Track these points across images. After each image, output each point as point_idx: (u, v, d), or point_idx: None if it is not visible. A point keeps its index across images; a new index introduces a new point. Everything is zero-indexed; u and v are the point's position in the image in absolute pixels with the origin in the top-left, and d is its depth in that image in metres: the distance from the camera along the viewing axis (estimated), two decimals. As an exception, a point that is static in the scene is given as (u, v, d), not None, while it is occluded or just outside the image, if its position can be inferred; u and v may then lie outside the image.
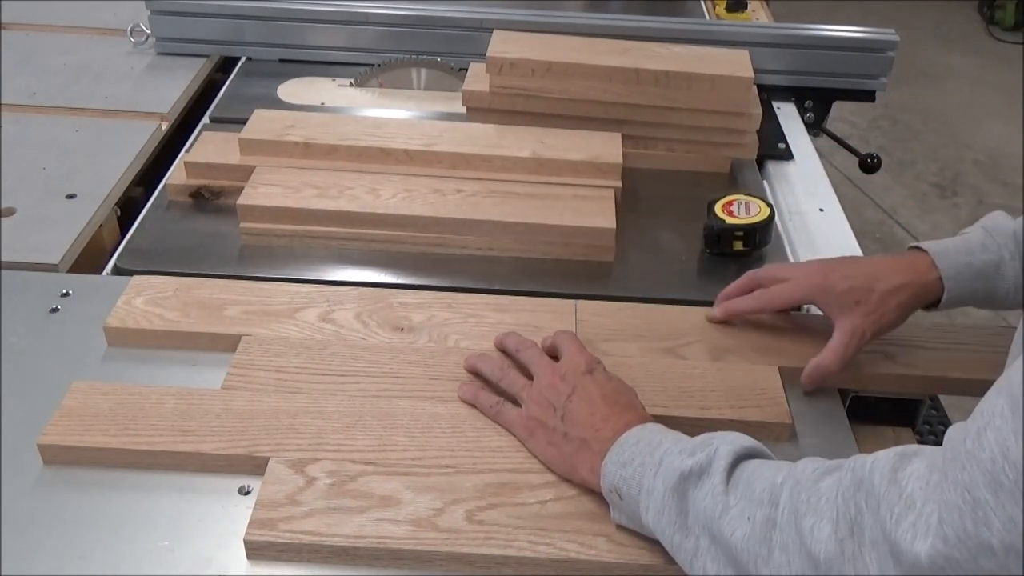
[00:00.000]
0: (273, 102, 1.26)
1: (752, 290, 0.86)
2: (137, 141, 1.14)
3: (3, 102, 1.21)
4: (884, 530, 0.49)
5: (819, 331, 0.86)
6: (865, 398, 0.84)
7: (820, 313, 0.92)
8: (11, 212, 1.00)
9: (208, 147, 1.06)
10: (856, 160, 1.40)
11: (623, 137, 1.09)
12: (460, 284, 0.93)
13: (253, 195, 0.98)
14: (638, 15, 1.34)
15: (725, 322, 0.86)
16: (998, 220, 0.80)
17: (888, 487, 0.50)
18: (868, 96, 1.37)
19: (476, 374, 0.79)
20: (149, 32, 1.36)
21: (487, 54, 1.10)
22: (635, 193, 1.09)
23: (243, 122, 1.07)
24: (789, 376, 0.81)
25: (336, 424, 0.73)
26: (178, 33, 1.35)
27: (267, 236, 0.97)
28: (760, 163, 1.20)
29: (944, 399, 0.95)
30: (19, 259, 0.93)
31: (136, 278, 0.88)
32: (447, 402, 0.76)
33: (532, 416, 0.72)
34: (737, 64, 1.12)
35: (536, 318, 0.86)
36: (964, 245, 0.79)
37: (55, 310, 0.86)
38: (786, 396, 0.79)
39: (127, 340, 0.83)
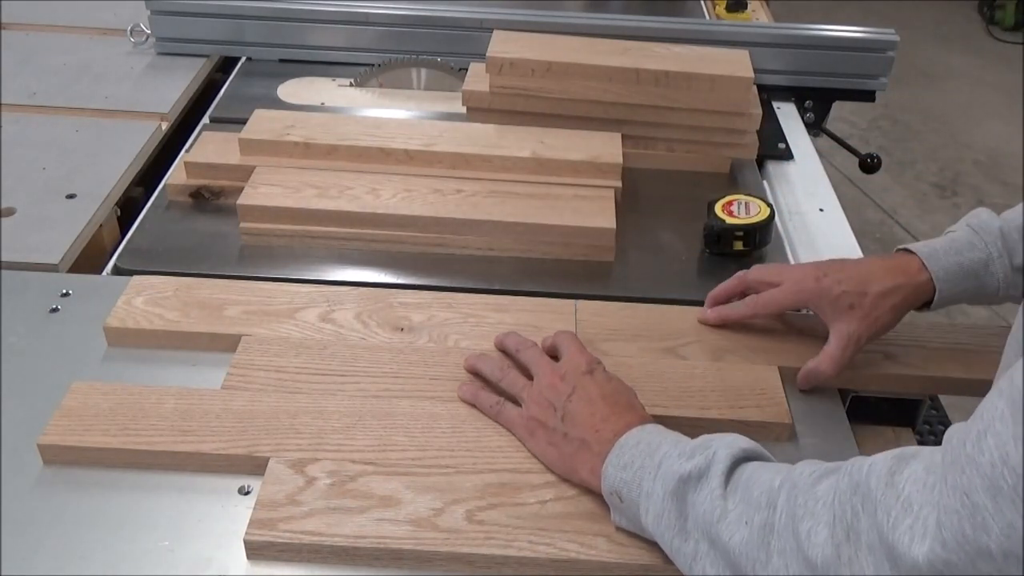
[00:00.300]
0: (273, 102, 1.26)
1: (743, 293, 0.86)
2: (137, 141, 1.14)
3: (3, 102, 1.21)
4: (881, 533, 0.49)
5: (819, 331, 0.86)
6: (865, 398, 0.84)
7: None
8: (11, 212, 1.00)
9: (208, 147, 1.06)
10: (856, 160, 1.40)
11: (623, 137, 1.09)
12: (460, 284, 0.93)
13: (253, 195, 0.98)
14: (638, 15, 1.34)
15: (718, 325, 0.86)
16: (983, 218, 0.80)
17: (885, 490, 0.50)
18: (868, 96, 1.37)
19: (476, 374, 0.79)
20: (149, 32, 1.36)
21: (487, 54, 1.11)
22: (635, 193, 1.09)
23: (243, 122, 1.07)
24: (789, 376, 0.81)
25: (336, 424, 0.73)
26: (178, 33, 1.35)
27: (267, 236, 0.97)
28: (760, 163, 1.20)
29: (944, 399, 0.95)
30: (19, 259, 0.93)
31: (136, 278, 0.88)
32: (447, 402, 0.76)
33: (532, 416, 0.72)
34: (737, 64, 1.12)
35: (536, 318, 0.86)
36: (952, 245, 0.79)
37: (55, 310, 0.86)
38: (786, 396, 0.79)
39: (127, 340, 0.83)
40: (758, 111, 1.14)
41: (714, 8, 1.59)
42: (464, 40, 1.32)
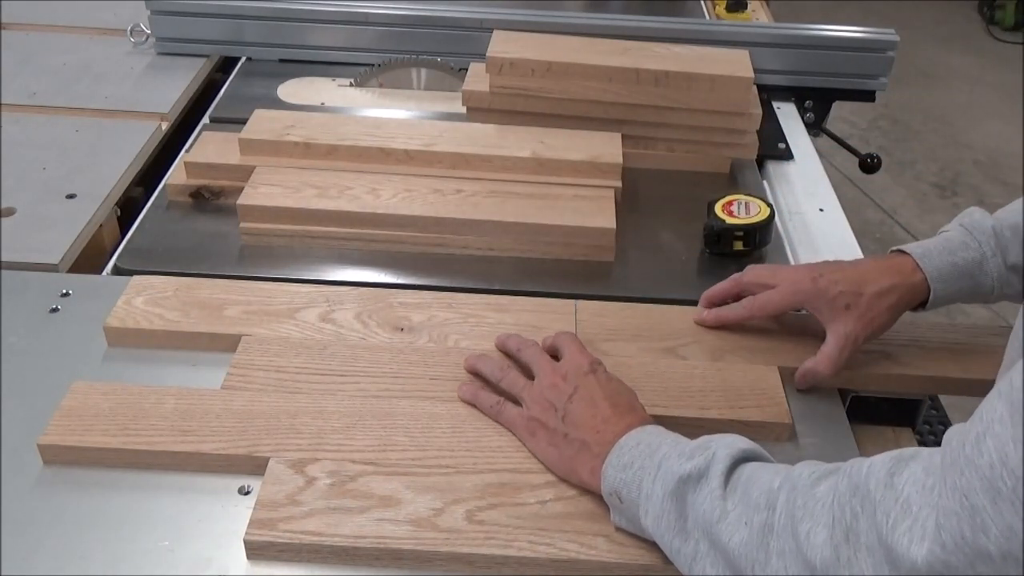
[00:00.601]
0: (273, 102, 1.26)
1: (738, 295, 0.86)
2: (137, 141, 1.14)
3: (3, 102, 1.21)
4: (880, 535, 0.49)
5: (819, 331, 0.86)
6: (865, 398, 0.84)
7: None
8: (11, 212, 1.00)
9: (208, 147, 1.06)
10: (856, 160, 1.40)
11: (623, 137, 1.09)
12: (460, 284, 0.93)
13: (253, 195, 0.98)
14: (638, 15, 1.34)
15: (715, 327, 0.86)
16: (976, 217, 0.81)
17: (884, 491, 0.50)
18: (868, 96, 1.37)
19: (476, 374, 0.79)
20: (149, 32, 1.36)
21: (487, 54, 1.11)
22: (635, 193, 1.09)
23: (243, 122, 1.07)
24: (789, 376, 0.81)
25: (336, 424, 0.73)
26: (178, 33, 1.35)
27: (267, 236, 0.97)
28: (760, 163, 1.20)
29: (944, 399, 0.95)
30: (19, 259, 0.93)
31: (136, 278, 0.88)
32: (447, 402, 0.76)
33: (533, 416, 0.72)
34: (737, 64, 1.12)
35: (536, 318, 0.86)
36: (946, 245, 0.80)
37: (55, 310, 0.86)
38: (786, 396, 0.79)
39: (127, 340, 0.82)
40: (758, 111, 1.14)
41: (714, 8, 1.59)
42: (464, 40, 1.32)
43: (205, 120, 1.23)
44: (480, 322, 0.85)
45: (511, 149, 1.05)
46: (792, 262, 1.01)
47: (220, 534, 0.66)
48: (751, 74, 1.10)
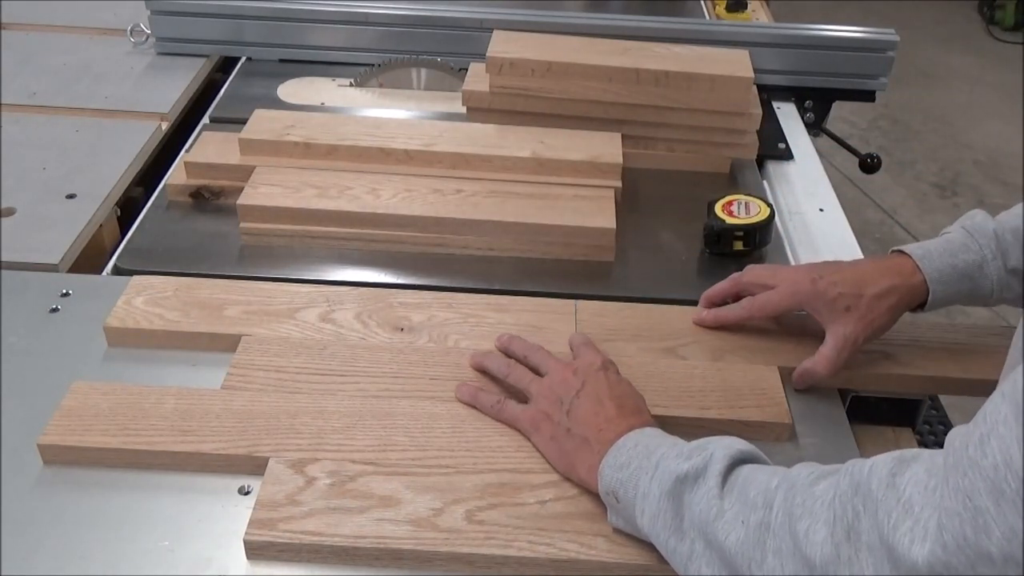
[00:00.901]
0: (273, 102, 1.26)
1: (737, 295, 0.86)
2: (137, 141, 1.14)
3: (3, 102, 1.21)
4: (881, 534, 0.49)
5: (819, 331, 0.86)
6: (865, 398, 0.84)
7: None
8: (11, 212, 1.00)
9: (208, 147, 1.06)
10: (856, 160, 1.40)
11: (623, 137, 1.09)
12: (460, 284, 0.93)
13: (253, 195, 0.98)
14: (638, 15, 1.34)
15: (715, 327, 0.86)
16: (977, 220, 0.81)
17: (886, 491, 0.50)
18: (868, 96, 1.37)
19: (482, 371, 0.79)
20: (149, 32, 1.36)
21: (487, 54, 1.11)
22: (635, 193, 1.09)
23: (243, 122, 1.07)
24: (789, 376, 0.81)
25: (336, 424, 0.73)
26: (178, 33, 1.35)
27: (267, 236, 0.97)
28: (760, 163, 1.20)
29: (944, 399, 0.95)
30: (19, 259, 0.93)
31: (136, 278, 0.88)
32: (447, 402, 0.76)
33: (540, 409, 0.72)
34: (737, 64, 1.12)
35: (536, 318, 0.86)
36: (947, 247, 0.79)
37: (55, 310, 0.86)
38: (786, 396, 0.79)
39: (127, 340, 0.82)
40: (758, 111, 1.14)
41: (714, 8, 1.59)
42: (464, 40, 1.32)
43: (205, 120, 1.23)
44: (480, 322, 0.85)
45: (511, 149, 1.05)
46: (792, 262, 1.01)
47: (220, 534, 0.66)
48: (751, 74, 1.10)
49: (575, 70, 1.10)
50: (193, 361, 0.81)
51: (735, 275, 0.86)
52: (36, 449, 0.71)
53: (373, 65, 1.30)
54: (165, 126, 1.20)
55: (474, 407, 0.76)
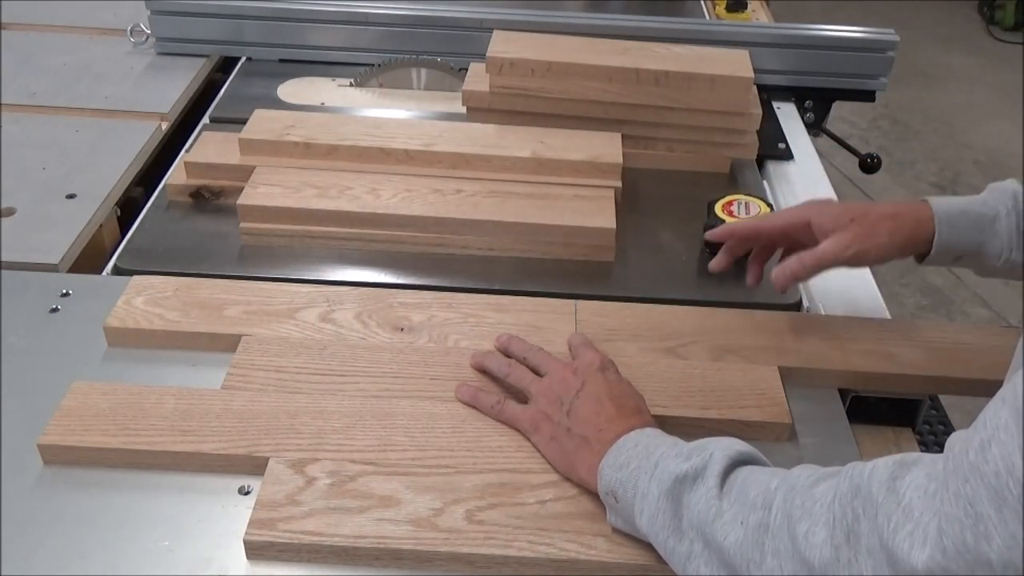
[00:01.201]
0: (273, 102, 1.26)
1: (747, 245, 0.88)
2: (137, 141, 1.14)
3: (3, 102, 1.21)
4: (881, 538, 0.49)
5: (819, 332, 0.86)
6: (865, 398, 0.84)
7: (822, 313, 0.92)
8: (11, 212, 1.00)
9: (208, 147, 1.06)
10: (856, 160, 1.40)
11: (623, 137, 1.09)
12: (460, 284, 0.93)
13: (253, 195, 0.98)
14: (638, 15, 1.34)
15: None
16: (1004, 183, 0.81)
17: (886, 495, 0.50)
18: (868, 96, 1.37)
19: (482, 371, 0.79)
20: (149, 32, 1.36)
21: (487, 54, 1.11)
22: (635, 193, 1.09)
23: (243, 122, 1.07)
24: (789, 376, 0.81)
25: (336, 424, 0.73)
26: (178, 33, 1.35)
27: (267, 236, 0.97)
28: (760, 163, 1.20)
29: (944, 399, 0.95)
30: (19, 259, 0.93)
31: (136, 278, 0.88)
32: (447, 402, 0.76)
33: (540, 409, 0.72)
34: (737, 64, 1.12)
35: (536, 318, 0.86)
36: (964, 199, 0.81)
37: (55, 310, 0.86)
38: (786, 396, 0.79)
39: (127, 340, 0.83)
40: (758, 111, 1.13)
41: (714, 8, 1.59)
42: (464, 40, 1.32)
43: (205, 120, 1.23)
44: (480, 322, 0.85)
45: (511, 149, 1.05)
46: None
47: (220, 534, 0.66)
48: (751, 74, 1.10)
49: (575, 70, 1.10)
50: (193, 361, 0.81)
51: (728, 229, 0.87)
52: (36, 449, 0.71)
53: (373, 65, 1.30)
54: (165, 126, 1.20)
55: (474, 407, 0.76)
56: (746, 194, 1.01)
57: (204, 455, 0.70)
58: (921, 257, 0.82)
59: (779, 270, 0.81)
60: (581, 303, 0.88)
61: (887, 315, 0.95)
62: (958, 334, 0.87)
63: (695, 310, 0.88)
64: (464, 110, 1.15)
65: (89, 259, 0.98)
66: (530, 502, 0.68)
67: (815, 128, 1.38)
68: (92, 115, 1.20)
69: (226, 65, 1.39)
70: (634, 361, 0.81)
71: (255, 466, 0.70)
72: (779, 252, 0.89)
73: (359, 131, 1.06)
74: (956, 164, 3.24)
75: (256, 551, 0.65)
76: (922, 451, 0.83)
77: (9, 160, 1.09)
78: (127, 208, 1.07)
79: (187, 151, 1.11)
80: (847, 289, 0.97)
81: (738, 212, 0.98)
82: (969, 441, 0.47)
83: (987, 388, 0.81)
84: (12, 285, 0.89)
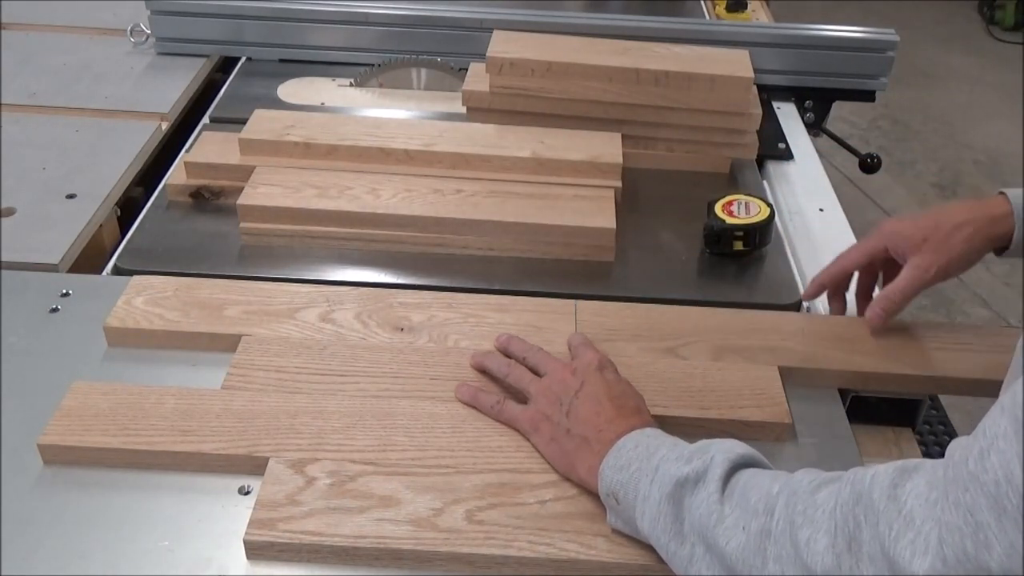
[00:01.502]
0: (273, 102, 1.26)
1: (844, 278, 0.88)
2: (137, 141, 1.14)
3: (3, 102, 1.21)
4: (883, 546, 0.49)
5: (819, 332, 0.86)
6: (865, 398, 0.84)
7: (823, 312, 0.92)
8: (11, 212, 1.00)
9: (208, 147, 1.06)
10: (856, 160, 1.40)
11: (623, 137, 1.09)
12: (460, 284, 0.93)
13: (253, 195, 0.98)
14: (638, 15, 1.34)
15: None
16: None
17: (888, 503, 0.50)
18: (868, 96, 1.37)
19: (482, 371, 0.79)
20: (149, 32, 1.36)
21: (487, 54, 1.11)
22: (635, 193, 1.09)
23: (243, 122, 1.07)
24: (789, 376, 0.81)
25: (336, 424, 0.73)
26: (178, 33, 1.35)
27: (267, 236, 0.97)
28: (760, 163, 1.20)
29: (944, 399, 0.95)
30: (19, 259, 0.93)
31: (136, 278, 0.88)
32: (447, 402, 0.76)
33: (539, 410, 0.72)
34: (737, 64, 1.12)
35: (536, 318, 0.86)
36: None
37: (55, 310, 0.86)
38: (786, 396, 0.79)
39: (127, 340, 0.82)
40: (758, 111, 1.14)
41: (714, 8, 1.59)
42: (464, 40, 1.32)
43: (205, 120, 1.23)
44: (480, 322, 0.85)
45: (511, 149, 1.05)
46: (792, 262, 1.01)
47: (220, 534, 0.66)
48: (751, 74, 1.10)
49: (575, 70, 1.10)
50: (193, 361, 0.81)
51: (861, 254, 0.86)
52: (36, 449, 0.71)
53: (373, 65, 1.30)
54: (165, 126, 1.20)
55: (474, 407, 0.76)
56: (746, 194, 1.01)
57: (204, 455, 0.70)
58: (1001, 250, 0.82)
59: (871, 313, 0.83)
60: (581, 303, 0.88)
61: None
62: (958, 334, 0.87)
63: (695, 310, 0.88)
64: (464, 110, 1.15)
65: (89, 259, 0.98)
66: (530, 502, 0.68)
67: (815, 128, 1.38)
68: (92, 115, 1.20)
69: (226, 65, 1.39)
70: (634, 361, 0.81)
71: (255, 466, 0.70)
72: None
73: (359, 131, 1.06)
74: (956, 164, 3.24)
75: (256, 551, 0.65)
76: (922, 451, 0.83)
77: (9, 160, 1.09)
78: (127, 208, 1.07)
79: (187, 151, 1.11)
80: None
81: (738, 212, 0.98)
82: (968, 449, 0.47)
83: (987, 388, 0.81)
84: (12, 285, 0.89)
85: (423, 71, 1.31)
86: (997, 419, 0.46)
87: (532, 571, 0.65)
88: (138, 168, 1.12)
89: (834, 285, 0.89)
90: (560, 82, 1.11)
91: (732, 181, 1.15)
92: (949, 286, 2.56)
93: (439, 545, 0.64)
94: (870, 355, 0.83)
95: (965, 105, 3.62)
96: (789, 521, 0.55)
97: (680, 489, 0.61)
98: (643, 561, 0.64)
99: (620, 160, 1.05)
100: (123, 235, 1.03)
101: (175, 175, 1.06)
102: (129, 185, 1.09)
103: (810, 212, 1.12)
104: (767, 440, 0.76)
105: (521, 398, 0.76)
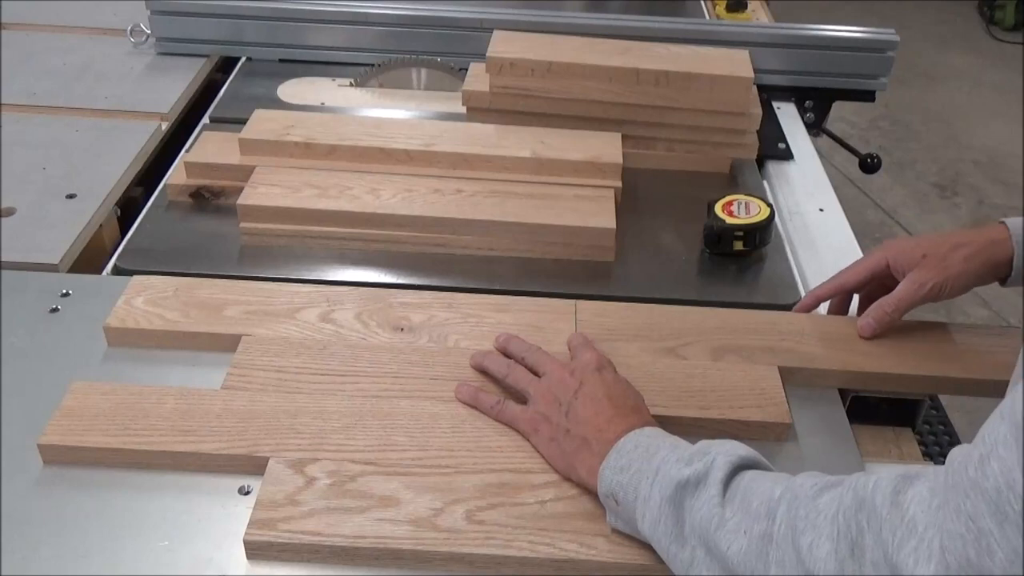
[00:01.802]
0: (273, 102, 1.26)
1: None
2: (137, 141, 1.14)
3: (3, 102, 1.21)
4: (886, 553, 0.49)
5: (819, 331, 0.86)
6: (865, 398, 0.84)
7: (825, 313, 0.92)
8: (11, 212, 1.00)
9: (208, 147, 1.06)
10: (856, 160, 1.40)
11: (623, 137, 1.09)
12: (460, 284, 0.93)
13: (253, 195, 0.98)
14: (638, 15, 1.34)
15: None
16: None
17: (891, 509, 0.50)
18: (868, 96, 1.37)
19: (482, 371, 0.79)
20: (149, 32, 1.36)
21: (487, 54, 1.11)
22: (635, 193, 1.09)
23: (243, 122, 1.07)
24: (789, 376, 0.81)
25: (336, 424, 0.73)
26: (178, 33, 1.35)
27: (267, 236, 0.97)
28: (760, 163, 1.20)
29: (944, 399, 0.95)
30: (19, 259, 0.93)
31: (136, 278, 0.88)
32: (447, 402, 0.76)
33: (538, 411, 0.72)
34: (737, 64, 1.12)
35: (536, 318, 0.86)
36: None
37: (55, 310, 0.86)
38: (786, 396, 0.79)
39: (127, 340, 0.82)
40: (758, 111, 1.14)
41: (714, 8, 1.59)
42: (464, 40, 1.32)
43: (205, 120, 1.23)
44: (480, 322, 0.85)
45: (511, 149, 1.05)
46: (792, 262, 1.01)
47: (220, 534, 0.66)
48: (751, 74, 1.10)
49: (575, 70, 1.10)
50: (193, 361, 0.81)
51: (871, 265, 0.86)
52: (36, 449, 0.71)
53: (373, 65, 1.30)
54: (165, 126, 1.20)
55: (474, 407, 0.76)
56: (746, 194, 1.01)
57: (204, 455, 0.70)
58: (1004, 280, 0.83)
59: (864, 324, 0.84)
60: (581, 303, 0.88)
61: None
62: (958, 334, 0.87)
63: (695, 310, 0.88)
64: (464, 110, 1.15)
65: (89, 259, 0.98)
66: (530, 502, 0.68)
67: (815, 128, 1.38)
68: (92, 115, 1.20)
69: (226, 65, 1.39)
70: (634, 361, 0.81)
71: (255, 466, 0.70)
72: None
73: (359, 131, 1.06)
74: (956, 164, 3.24)
75: (256, 551, 0.65)
76: (922, 451, 0.83)
77: (9, 160, 1.09)
78: (127, 208, 1.07)
79: (187, 151, 1.11)
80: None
81: (738, 212, 0.98)
82: (969, 456, 0.47)
83: (987, 388, 0.81)
84: (12, 285, 0.89)
85: (423, 71, 1.31)
86: (997, 425, 0.46)
87: (532, 571, 0.65)
88: (138, 168, 1.12)
89: (833, 303, 0.90)
90: (560, 82, 1.11)
91: (732, 181, 1.15)
92: (949, 286, 2.55)
93: (439, 545, 0.64)
94: (870, 355, 0.83)
95: (965, 105, 3.62)
96: (791, 526, 0.55)
97: (681, 492, 0.60)
98: (643, 561, 0.64)
99: (620, 160, 1.05)
100: (123, 235, 1.03)
101: (175, 175, 1.06)
102: (129, 185, 1.09)
103: (810, 212, 1.12)
104: (767, 440, 0.76)
105: (521, 398, 0.76)
